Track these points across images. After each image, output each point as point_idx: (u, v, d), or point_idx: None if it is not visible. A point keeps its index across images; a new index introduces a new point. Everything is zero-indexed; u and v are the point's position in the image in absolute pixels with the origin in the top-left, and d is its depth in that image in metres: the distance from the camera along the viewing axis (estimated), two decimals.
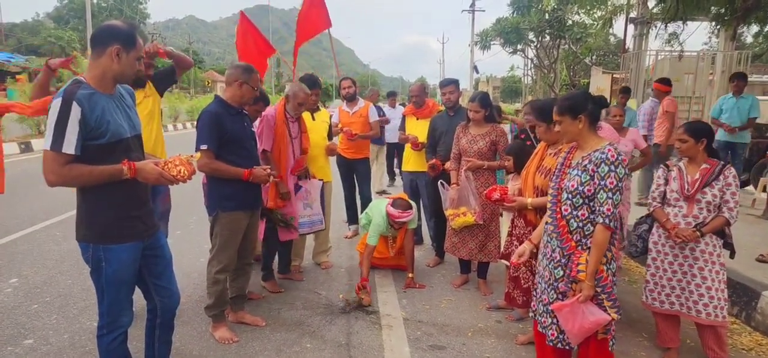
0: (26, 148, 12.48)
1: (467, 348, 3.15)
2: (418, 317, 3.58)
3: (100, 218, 2.02)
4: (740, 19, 7.21)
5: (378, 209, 4.20)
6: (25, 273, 4.22)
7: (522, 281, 3.20)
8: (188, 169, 2.05)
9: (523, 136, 4.02)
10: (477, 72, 29.81)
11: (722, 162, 2.92)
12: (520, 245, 3.07)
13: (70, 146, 1.85)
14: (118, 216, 2.05)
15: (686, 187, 2.90)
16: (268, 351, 3.05)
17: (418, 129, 4.80)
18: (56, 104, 1.85)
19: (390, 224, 4.14)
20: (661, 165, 3.14)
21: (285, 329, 3.34)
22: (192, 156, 2.13)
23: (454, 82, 4.53)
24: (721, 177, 2.84)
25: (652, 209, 3.08)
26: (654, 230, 3.07)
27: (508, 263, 3.30)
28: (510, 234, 3.37)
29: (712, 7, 7.38)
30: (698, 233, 2.84)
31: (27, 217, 5.96)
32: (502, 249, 3.60)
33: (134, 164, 1.98)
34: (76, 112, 1.84)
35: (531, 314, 2.62)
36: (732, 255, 3.01)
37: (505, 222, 3.75)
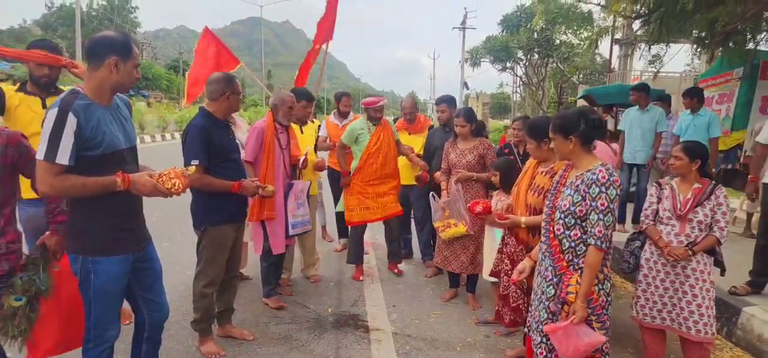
0: None
1: None
2: (407, 331, 3.59)
3: (90, 230, 2.02)
4: (720, 42, 7.34)
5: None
6: None
7: (511, 300, 3.20)
8: (183, 182, 2.05)
9: (507, 151, 4.09)
10: (467, 88, 30.18)
11: (714, 182, 2.95)
12: (510, 262, 3.08)
13: (64, 157, 1.85)
14: (109, 228, 2.04)
15: (678, 206, 2.93)
16: None
17: (410, 144, 4.84)
18: (52, 114, 1.85)
19: (368, 117, 4.44)
20: (654, 183, 3.18)
21: (273, 343, 3.32)
22: (187, 169, 2.14)
23: (447, 101, 4.63)
24: (713, 197, 2.89)
25: (644, 227, 3.10)
26: (646, 246, 3.09)
27: (496, 280, 3.32)
28: (501, 252, 3.39)
29: (694, 31, 7.57)
30: (690, 252, 2.87)
31: None
32: (492, 267, 3.61)
33: (128, 176, 1.98)
34: (71, 122, 1.84)
35: (526, 330, 2.62)
36: (722, 272, 3.04)
37: (488, 239, 3.78)
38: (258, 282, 4.38)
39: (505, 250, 3.29)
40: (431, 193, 4.26)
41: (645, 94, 6.08)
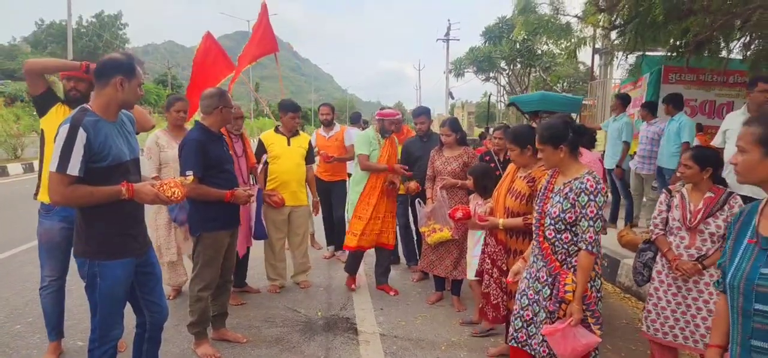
0: (2, 172, 12.28)
1: None
2: (395, 333, 3.75)
3: (97, 235, 2.18)
4: (693, 51, 7.62)
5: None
6: (5, 295, 4.26)
7: (492, 297, 3.39)
8: (181, 190, 2.23)
9: (487, 158, 4.30)
10: (452, 98, 30.55)
11: (728, 190, 2.76)
12: (491, 262, 3.26)
13: (74, 168, 2.01)
14: (115, 234, 2.20)
15: (688, 217, 2.77)
16: None
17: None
18: (64, 130, 2.02)
19: (381, 127, 4.46)
20: (664, 190, 3.04)
21: (265, 345, 3.47)
22: (184, 179, 2.31)
23: (426, 113, 4.86)
24: (726, 207, 2.68)
25: (654, 237, 2.95)
26: (658, 258, 2.95)
27: (479, 279, 3.51)
28: (483, 252, 3.59)
29: (670, 40, 7.88)
30: (700, 266, 2.70)
31: (5, 241, 5.94)
32: (476, 267, 3.80)
33: (132, 186, 2.15)
34: (81, 137, 2.01)
35: (511, 342, 2.59)
36: None
37: (471, 242, 3.96)
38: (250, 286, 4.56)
39: (486, 250, 3.48)
40: (417, 199, 4.45)
41: (620, 103, 6.38)
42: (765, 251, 1.40)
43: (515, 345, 2.52)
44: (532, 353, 2.48)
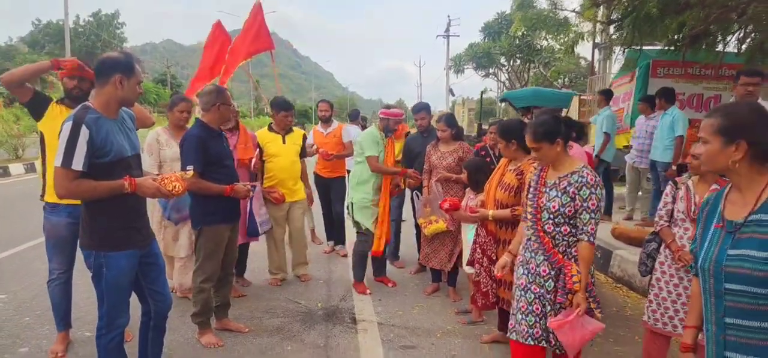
0: (4, 172, 12.40)
1: (436, 347, 3.44)
2: (392, 322, 3.86)
3: (102, 228, 2.28)
4: (689, 44, 7.69)
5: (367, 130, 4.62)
6: (13, 289, 4.38)
7: (482, 285, 3.49)
8: (182, 184, 2.33)
9: (483, 153, 4.40)
10: (453, 95, 30.64)
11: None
12: (482, 252, 3.37)
13: (78, 163, 2.11)
14: (119, 226, 2.30)
15: (693, 208, 2.80)
16: (251, 354, 3.29)
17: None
18: (67, 127, 2.12)
19: (385, 126, 4.42)
20: (670, 182, 3.08)
21: (267, 335, 3.58)
22: (185, 173, 2.41)
23: (426, 109, 4.94)
24: None
25: (658, 228, 3.00)
26: (661, 249, 2.99)
27: (473, 270, 3.61)
28: (475, 242, 3.69)
29: (668, 34, 7.94)
30: None
31: (10, 238, 6.05)
32: (468, 257, 3.91)
33: (134, 180, 2.24)
34: (84, 133, 2.11)
35: (510, 334, 2.61)
36: None
37: (464, 233, 4.07)
38: (252, 280, 4.68)
39: (478, 240, 3.58)
40: (415, 192, 4.56)
41: (603, 97, 6.64)
42: (731, 234, 1.49)
43: (533, 343, 2.47)
44: (548, 345, 2.48)
